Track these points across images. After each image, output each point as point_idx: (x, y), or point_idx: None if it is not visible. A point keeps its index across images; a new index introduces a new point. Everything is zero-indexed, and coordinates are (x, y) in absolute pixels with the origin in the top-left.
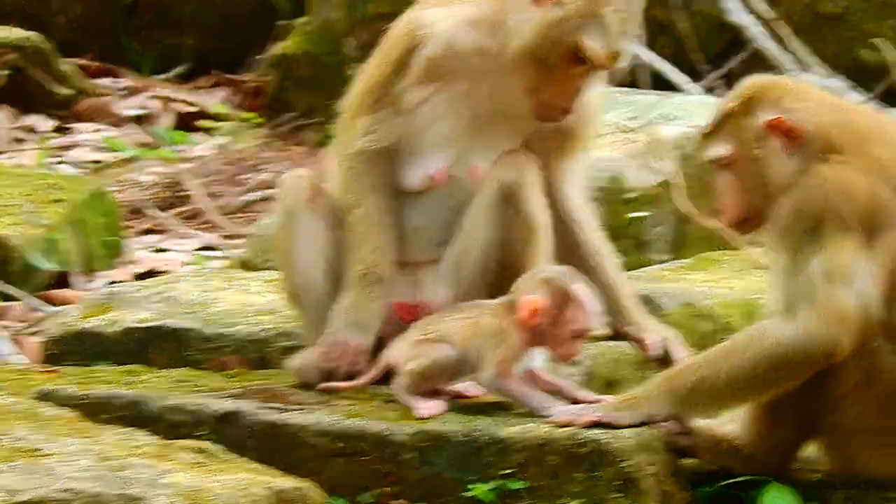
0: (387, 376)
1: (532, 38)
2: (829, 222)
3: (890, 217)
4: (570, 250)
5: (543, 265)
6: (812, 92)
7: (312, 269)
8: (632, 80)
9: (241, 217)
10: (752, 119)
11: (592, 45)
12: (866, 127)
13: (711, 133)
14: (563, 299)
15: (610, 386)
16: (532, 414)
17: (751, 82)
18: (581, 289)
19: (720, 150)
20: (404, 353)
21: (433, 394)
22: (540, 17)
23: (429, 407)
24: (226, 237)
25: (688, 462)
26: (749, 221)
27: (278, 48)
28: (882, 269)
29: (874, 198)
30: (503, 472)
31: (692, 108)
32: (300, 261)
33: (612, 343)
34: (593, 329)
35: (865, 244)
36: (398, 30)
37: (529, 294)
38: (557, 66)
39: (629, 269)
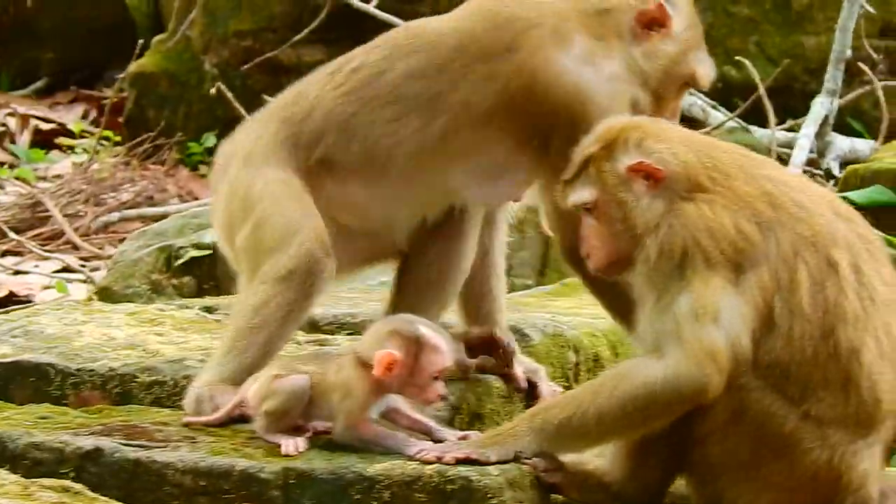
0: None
1: (657, 76)
2: (695, 260)
3: (756, 253)
4: (476, 270)
5: (388, 317)
6: (673, 131)
7: None
8: None
9: (100, 238)
10: (614, 163)
11: (705, 72)
12: (730, 164)
13: (574, 178)
14: (416, 347)
15: (477, 419)
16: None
17: (610, 124)
18: (429, 332)
19: (583, 195)
20: (258, 393)
21: (296, 430)
22: (662, 54)
23: (293, 444)
24: (85, 259)
25: (557, 499)
26: (617, 264)
27: (136, 65)
28: (750, 305)
29: (740, 234)
30: None
31: None
32: None
33: (480, 376)
34: (448, 367)
35: (733, 281)
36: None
37: (379, 348)
38: (671, 96)
39: None
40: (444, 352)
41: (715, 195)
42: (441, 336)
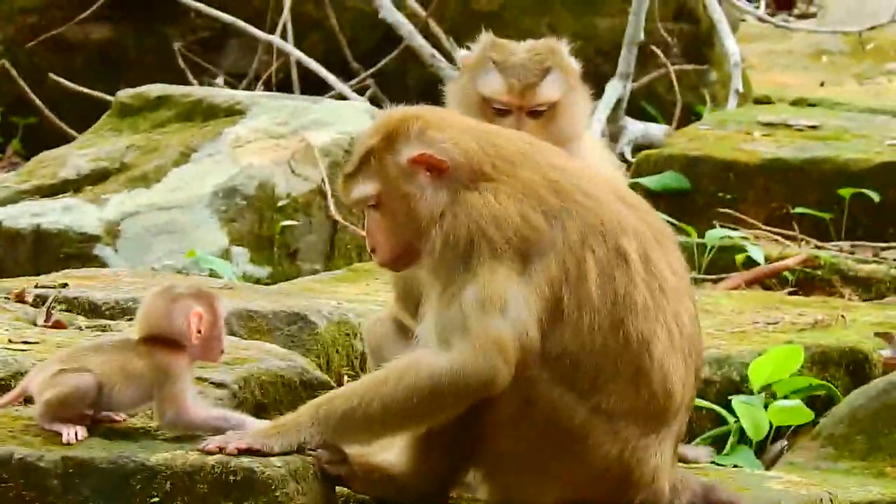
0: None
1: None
2: (480, 249)
3: (543, 242)
4: None
5: (152, 292)
6: (456, 120)
7: None
8: (282, 78)
9: None
10: (395, 155)
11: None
12: (514, 152)
13: (354, 172)
14: (208, 298)
15: (261, 410)
16: (184, 439)
17: (390, 115)
18: (204, 284)
19: (365, 189)
20: (42, 382)
21: (77, 419)
22: None
23: (73, 432)
24: None
25: (342, 491)
26: (403, 258)
27: None
28: (537, 295)
29: (525, 223)
30: (151, 500)
31: (343, 113)
32: None
33: (262, 365)
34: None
35: (520, 271)
36: None
37: (173, 317)
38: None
39: (280, 280)
40: (222, 299)
41: (499, 183)
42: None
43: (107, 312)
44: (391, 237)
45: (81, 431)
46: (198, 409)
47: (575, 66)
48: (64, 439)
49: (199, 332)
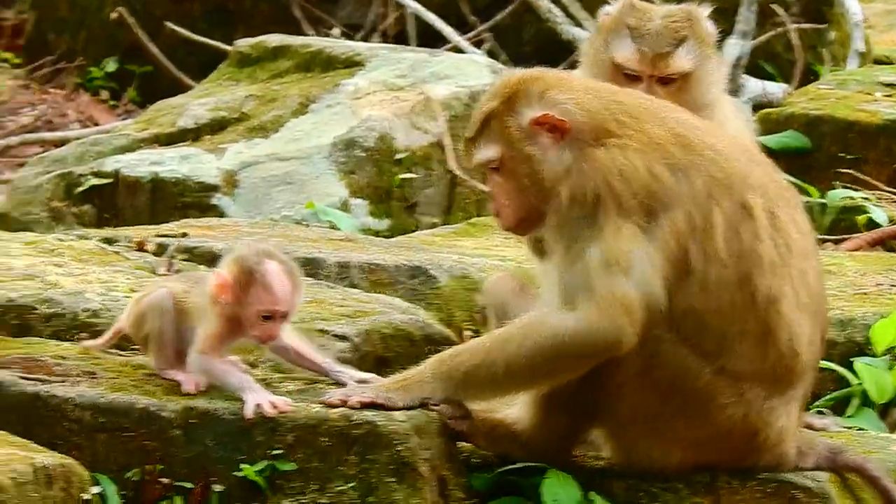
0: None
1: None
2: (607, 205)
3: (669, 196)
4: None
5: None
6: (576, 81)
7: None
8: (400, 31)
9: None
10: (517, 118)
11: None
12: (638, 107)
13: (476, 136)
14: (246, 278)
15: (382, 364)
16: (307, 392)
17: (509, 78)
18: (271, 268)
19: (488, 153)
20: (127, 318)
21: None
22: None
23: (193, 381)
24: None
25: (464, 447)
26: (527, 221)
27: None
28: (663, 253)
29: (652, 177)
30: (273, 452)
31: (464, 67)
32: None
33: (384, 319)
34: (281, 310)
35: (645, 227)
36: None
37: (221, 271)
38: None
39: (398, 233)
40: (276, 293)
41: (626, 139)
42: (283, 277)
43: None
44: (515, 200)
45: (203, 380)
46: (215, 361)
47: (712, 33)
48: (184, 389)
49: (222, 297)
